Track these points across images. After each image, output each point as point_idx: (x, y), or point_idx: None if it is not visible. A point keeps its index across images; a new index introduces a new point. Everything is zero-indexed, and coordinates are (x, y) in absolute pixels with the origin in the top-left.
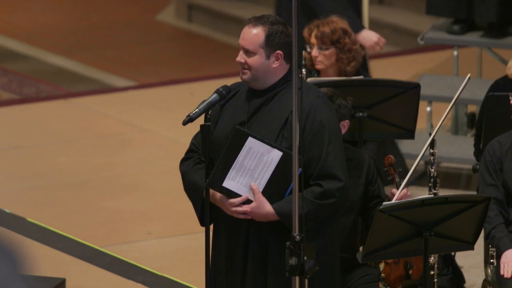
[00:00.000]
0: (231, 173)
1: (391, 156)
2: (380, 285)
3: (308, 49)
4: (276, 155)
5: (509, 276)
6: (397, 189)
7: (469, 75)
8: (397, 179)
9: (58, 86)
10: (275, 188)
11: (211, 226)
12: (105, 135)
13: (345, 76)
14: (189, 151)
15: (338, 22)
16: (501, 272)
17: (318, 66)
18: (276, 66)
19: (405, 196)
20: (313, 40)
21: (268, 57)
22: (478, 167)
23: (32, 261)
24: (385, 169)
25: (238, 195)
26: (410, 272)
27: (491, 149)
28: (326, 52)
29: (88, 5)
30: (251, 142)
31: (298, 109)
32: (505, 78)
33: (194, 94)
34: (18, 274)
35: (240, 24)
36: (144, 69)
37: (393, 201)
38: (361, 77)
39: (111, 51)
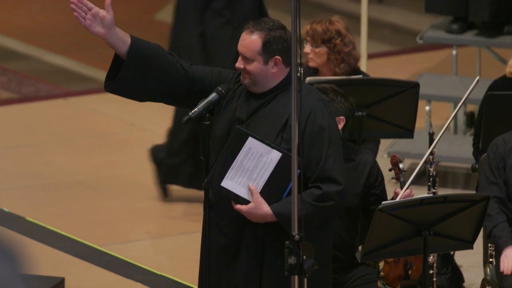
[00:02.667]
0: (230, 172)
1: (397, 156)
2: (379, 283)
3: (304, 45)
4: (275, 156)
5: (509, 273)
6: (401, 189)
7: (477, 78)
8: (401, 179)
9: (57, 86)
10: (273, 189)
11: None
12: (104, 135)
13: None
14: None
15: (335, 23)
16: (501, 269)
17: (310, 63)
18: (275, 71)
19: (409, 196)
20: (307, 38)
21: (266, 63)
22: (477, 166)
23: (31, 260)
24: (390, 168)
25: (236, 195)
26: (410, 272)
27: (494, 147)
28: (317, 50)
29: None
30: (251, 142)
31: (297, 111)
32: (504, 78)
33: None
34: (18, 273)
35: None
36: None
37: (397, 200)
38: (360, 76)
39: (110, 50)
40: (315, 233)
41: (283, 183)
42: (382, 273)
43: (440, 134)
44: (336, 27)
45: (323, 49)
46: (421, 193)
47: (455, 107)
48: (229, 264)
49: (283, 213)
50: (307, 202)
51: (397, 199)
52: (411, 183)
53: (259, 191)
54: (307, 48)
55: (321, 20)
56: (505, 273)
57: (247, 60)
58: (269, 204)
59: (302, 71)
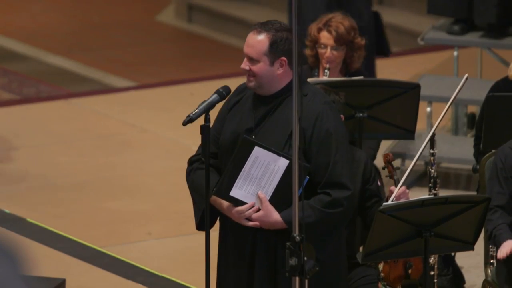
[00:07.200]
0: (238, 182)
1: (390, 154)
2: (380, 285)
3: (318, 49)
4: (282, 163)
5: (502, 256)
6: (396, 187)
7: (466, 75)
8: (395, 177)
9: (58, 87)
10: (282, 196)
11: (213, 231)
12: (105, 136)
13: (347, 73)
14: (197, 153)
15: (346, 19)
16: (497, 255)
17: (331, 65)
18: (281, 73)
19: (403, 194)
20: (326, 40)
21: (272, 64)
22: (478, 167)
23: (32, 262)
24: (383, 166)
25: (246, 204)
26: (409, 271)
27: (502, 156)
28: (340, 52)
29: (88, 5)
30: (257, 151)
31: (298, 114)
32: (506, 79)
33: (194, 94)
34: (18, 274)
35: (240, 24)
36: (144, 70)
37: (392, 198)
38: (361, 77)
39: (111, 51)
40: (325, 239)
41: (292, 190)
42: (382, 274)
43: (430, 134)
44: (351, 24)
45: (344, 49)
46: (422, 194)
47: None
48: (242, 271)
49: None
50: (317, 209)
51: (392, 197)
52: (411, 183)
53: (268, 198)
54: (329, 52)
55: (336, 21)
56: (498, 257)
57: (252, 61)
58: (279, 211)
59: (304, 73)
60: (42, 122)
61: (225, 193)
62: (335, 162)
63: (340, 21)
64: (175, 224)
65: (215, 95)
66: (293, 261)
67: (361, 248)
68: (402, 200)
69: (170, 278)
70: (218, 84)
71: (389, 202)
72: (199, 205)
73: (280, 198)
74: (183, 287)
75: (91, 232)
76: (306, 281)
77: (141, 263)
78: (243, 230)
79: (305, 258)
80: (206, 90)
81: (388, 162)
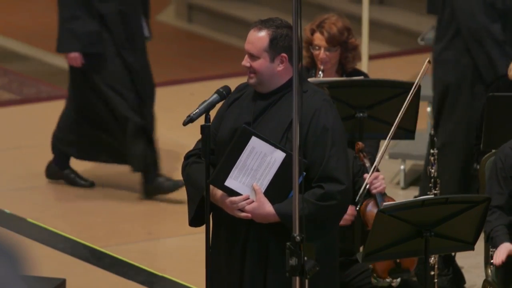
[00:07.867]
0: (234, 172)
1: (360, 143)
2: (372, 279)
3: (312, 50)
4: (279, 156)
5: (498, 263)
6: (367, 174)
7: (428, 59)
8: (367, 164)
9: (59, 87)
10: (277, 189)
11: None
12: None
13: (344, 73)
14: (194, 149)
15: (339, 20)
16: (493, 261)
17: (325, 67)
18: (281, 69)
19: (377, 178)
20: (319, 42)
21: (272, 60)
22: (478, 167)
23: (32, 262)
24: (355, 155)
25: (240, 195)
26: (398, 261)
27: (502, 156)
28: (334, 53)
29: None
30: (254, 141)
31: (299, 111)
32: (505, 79)
33: (194, 94)
34: (18, 274)
35: (240, 24)
36: None
37: (365, 184)
38: (361, 77)
39: None
40: (318, 233)
41: (287, 183)
42: (371, 266)
43: (390, 133)
44: (345, 24)
45: (338, 50)
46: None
47: None
48: (234, 264)
49: (285, 213)
50: (310, 202)
51: (365, 183)
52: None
53: (263, 191)
54: (322, 53)
55: (330, 22)
56: (494, 263)
57: (253, 57)
58: (274, 204)
59: (305, 72)
60: (42, 122)
61: (220, 183)
62: (329, 156)
63: (334, 22)
64: (175, 224)
65: (215, 95)
66: (293, 261)
67: (361, 248)
68: (377, 185)
69: (170, 278)
70: (218, 84)
71: (363, 188)
72: (194, 199)
73: (275, 191)
74: (183, 287)
75: (91, 232)
76: (307, 281)
77: (141, 263)
78: (236, 225)
79: (305, 258)
80: (206, 90)
81: (359, 150)
